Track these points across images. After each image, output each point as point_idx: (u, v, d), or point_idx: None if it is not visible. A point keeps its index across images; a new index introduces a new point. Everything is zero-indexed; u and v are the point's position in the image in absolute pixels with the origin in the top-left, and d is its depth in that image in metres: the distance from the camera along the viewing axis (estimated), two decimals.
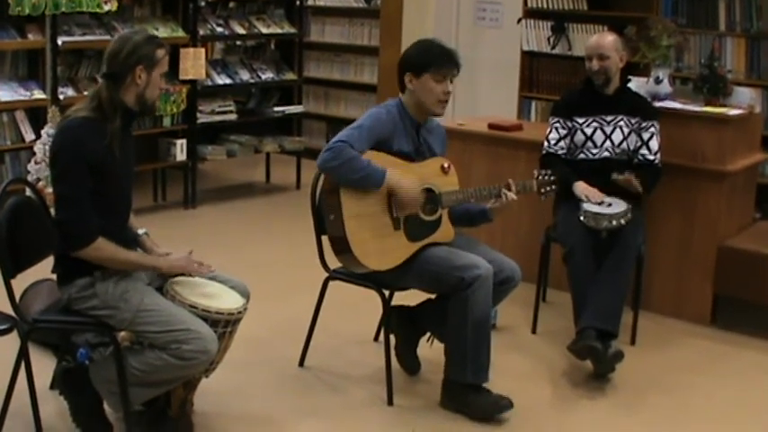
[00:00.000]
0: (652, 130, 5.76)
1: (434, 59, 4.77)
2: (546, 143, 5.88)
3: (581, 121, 5.81)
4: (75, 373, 4.35)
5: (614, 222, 5.36)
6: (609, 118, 5.78)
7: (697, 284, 6.11)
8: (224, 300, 4.25)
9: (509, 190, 4.89)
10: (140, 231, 4.46)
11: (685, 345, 5.84)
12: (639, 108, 5.82)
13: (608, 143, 5.75)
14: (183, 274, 4.29)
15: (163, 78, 4.23)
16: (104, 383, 4.21)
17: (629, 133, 5.76)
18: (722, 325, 6.08)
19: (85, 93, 7.25)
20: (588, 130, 5.79)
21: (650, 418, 4.87)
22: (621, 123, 5.76)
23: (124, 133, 4.19)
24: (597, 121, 5.78)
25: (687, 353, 5.73)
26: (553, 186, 5.11)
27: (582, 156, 5.81)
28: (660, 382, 5.29)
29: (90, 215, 4.04)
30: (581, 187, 5.59)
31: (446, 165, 4.94)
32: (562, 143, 5.84)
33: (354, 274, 4.92)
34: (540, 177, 5.08)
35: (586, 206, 5.44)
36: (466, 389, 4.73)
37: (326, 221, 4.77)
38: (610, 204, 5.45)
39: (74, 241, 4.06)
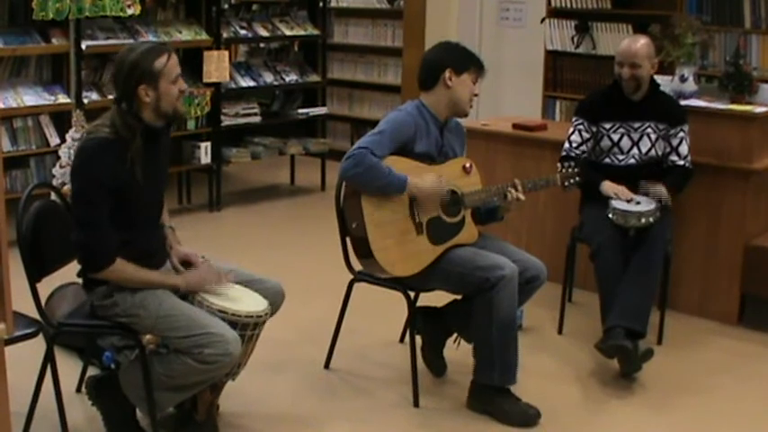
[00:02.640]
0: (681, 135, 5.70)
1: (474, 61, 4.88)
2: (567, 144, 5.81)
3: (608, 126, 5.74)
4: (106, 382, 4.36)
5: (643, 220, 5.33)
6: (636, 125, 5.70)
7: (724, 284, 6.07)
8: (249, 303, 4.24)
9: (516, 190, 4.88)
10: (167, 224, 4.46)
11: (712, 344, 5.81)
12: (668, 113, 5.72)
13: (635, 150, 5.69)
14: None
15: (177, 82, 4.10)
16: (134, 389, 4.20)
17: (657, 139, 5.69)
18: (749, 324, 6.04)
19: (110, 96, 7.31)
20: (615, 137, 5.73)
21: (679, 418, 4.84)
22: (649, 130, 5.69)
23: (150, 150, 4.12)
24: (624, 128, 5.71)
25: (714, 353, 5.69)
26: (576, 178, 5.10)
27: (607, 161, 5.76)
28: (688, 381, 5.26)
29: (107, 238, 4.01)
30: (609, 186, 5.55)
31: (467, 165, 4.94)
32: (584, 147, 5.76)
33: (380, 276, 4.91)
34: (564, 170, 5.08)
35: (615, 204, 5.41)
36: (493, 391, 4.73)
37: (348, 228, 4.78)
38: (638, 202, 5.42)
39: (91, 264, 4.07)
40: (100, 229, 4.00)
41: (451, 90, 4.84)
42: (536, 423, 4.68)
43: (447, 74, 4.83)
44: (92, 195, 3.98)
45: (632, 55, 5.61)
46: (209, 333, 3.95)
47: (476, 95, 4.90)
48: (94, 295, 4.16)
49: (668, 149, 5.72)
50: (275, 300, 4.36)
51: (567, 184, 5.10)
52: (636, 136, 5.71)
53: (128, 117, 4.03)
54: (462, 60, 4.86)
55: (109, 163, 3.98)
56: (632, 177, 5.61)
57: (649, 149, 5.70)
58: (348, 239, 4.94)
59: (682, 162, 5.70)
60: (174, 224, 4.53)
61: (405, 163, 4.72)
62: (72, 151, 6.80)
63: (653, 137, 5.70)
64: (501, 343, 4.64)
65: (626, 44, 5.72)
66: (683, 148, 5.70)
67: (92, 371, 4.84)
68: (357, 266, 5.03)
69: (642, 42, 5.69)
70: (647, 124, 5.70)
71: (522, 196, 4.88)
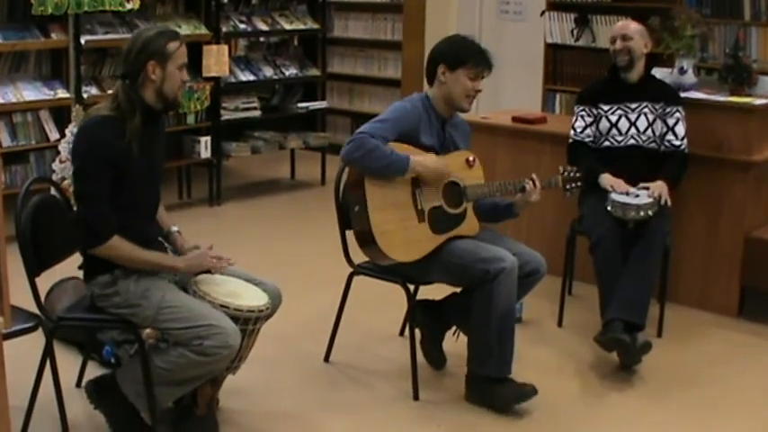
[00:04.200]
0: (677, 115, 5.75)
1: (471, 56, 4.80)
2: (572, 131, 5.89)
3: (606, 108, 5.82)
4: (104, 384, 4.35)
5: (642, 213, 5.34)
6: (633, 105, 5.78)
7: (724, 276, 6.07)
8: (250, 297, 4.25)
9: (534, 185, 4.88)
10: (173, 229, 4.48)
11: (712, 337, 5.81)
12: (663, 94, 5.82)
13: (633, 130, 5.74)
14: (202, 272, 4.31)
15: (182, 71, 4.19)
16: (132, 385, 4.20)
17: (654, 119, 5.75)
18: (749, 317, 6.04)
19: (109, 91, 7.31)
20: (613, 118, 5.78)
21: (679, 410, 4.85)
22: (646, 110, 5.76)
23: (148, 132, 4.17)
24: (622, 109, 5.79)
25: (714, 345, 5.69)
26: (578, 183, 5.09)
27: (607, 143, 5.81)
28: (687, 374, 5.26)
29: (107, 213, 4.04)
30: (607, 179, 5.57)
31: (471, 158, 4.94)
32: (588, 131, 5.84)
33: (379, 269, 4.93)
34: (566, 174, 5.07)
35: (614, 196, 5.42)
36: (489, 381, 4.73)
37: (351, 213, 4.78)
38: (637, 195, 5.43)
39: (89, 239, 4.08)
40: (99, 203, 4.04)
41: (445, 86, 4.83)
42: (532, 396, 4.69)
43: (440, 69, 4.83)
44: (92, 170, 4.04)
45: (623, 28, 5.84)
46: (210, 325, 3.96)
47: (478, 91, 4.85)
48: (96, 285, 4.17)
49: (665, 129, 5.75)
50: (273, 302, 4.35)
51: (568, 187, 5.09)
52: (633, 116, 5.77)
53: (131, 92, 4.10)
54: (457, 56, 4.81)
55: (108, 138, 4.04)
56: (632, 159, 5.67)
57: (647, 128, 5.75)
58: (348, 233, 4.96)
59: (678, 143, 5.74)
60: (174, 219, 4.55)
61: (406, 150, 4.73)
62: (71, 146, 6.80)
63: (650, 117, 5.76)
64: (499, 335, 4.64)
65: (618, 24, 5.96)
66: (680, 129, 5.75)
67: (91, 365, 4.85)
68: (357, 260, 5.03)
69: (633, 23, 5.89)
70: (643, 104, 5.78)
71: (539, 189, 4.90)
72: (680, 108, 5.78)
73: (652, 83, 5.89)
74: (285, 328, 5.22)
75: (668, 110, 5.77)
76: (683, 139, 5.74)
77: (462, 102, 4.84)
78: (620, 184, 5.53)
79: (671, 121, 5.75)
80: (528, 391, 4.71)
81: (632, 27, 5.80)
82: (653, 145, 5.75)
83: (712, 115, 6.01)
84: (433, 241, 4.75)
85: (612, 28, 5.95)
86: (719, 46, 7.64)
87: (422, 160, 4.69)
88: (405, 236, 4.70)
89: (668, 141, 5.75)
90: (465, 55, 4.81)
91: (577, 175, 5.08)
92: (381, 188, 4.67)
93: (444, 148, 4.90)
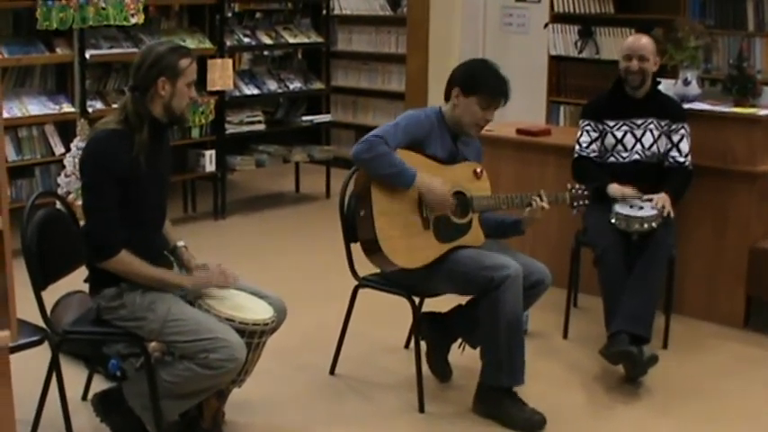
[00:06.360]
0: (682, 132, 5.73)
1: (488, 86, 4.79)
2: (577, 146, 5.86)
3: (611, 124, 5.79)
4: (111, 397, 4.35)
5: (646, 225, 5.33)
6: (639, 121, 5.75)
7: (729, 287, 6.06)
8: (255, 311, 4.25)
9: (540, 200, 4.88)
10: (179, 244, 4.48)
11: (718, 348, 5.80)
12: (669, 110, 5.79)
13: (638, 146, 5.73)
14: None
15: (191, 88, 4.21)
16: (138, 398, 4.20)
17: (659, 136, 5.73)
18: (755, 327, 6.03)
19: (114, 105, 7.33)
20: (618, 134, 5.76)
21: (686, 422, 4.84)
22: (651, 126, 5.74)
23: (154, 145, 4.18)
24: (627, 125, 5.76)
25: (720, 356, 5.68)
26: (586, 201, 5.08)
27: (612, 159, 5.78)
28: (694, 386, 5.25)
29: (114, 227, 4.05)
30: (615, 188, 5.56)
31: (478, 170, 4.95)
32: (594, 146, 5.81)
33: (384, 282, 4.93)
34: (574, 191, 5.07)
35: (618, 208, 5.41)
36: (501, 393, 4.71)
37: (356, 218, 4.79)
38: (641, 207, 5.42)
39: (97, 252, 4.09)
40: (107, 217, 4.05)
41: (457, 108, 4.84)
42: (541, 429, 4.66)
43: (455, 92, 4.83)
44: (99, 184, 4.05)
45: (641, 48, 5.71)
46: (216, 338, 3.96)
47: (488, 121, 4.87)
48: (102, 298, 4.17)
49: (669, 146, 5.74)
50: (279, 315, 4.36)
51: (575, 204, 5.08)
52: (639, 132, 5.74)
53: (139, 106, 4.11)
54: (473, 82, 4.80)
55: (116, 151, 4.05)
56: (636, 174, 5.64)
57: (652, 145, 5.73)
58: (353, 245, 4.96)
59: (682, 159, 5.71)
60: (179, 233, 4.55)
61: (416, 158, 4.75)
62: (76, 160, 6.81)
63: (655, 133, 5.74)
64: (508, 343, 4.63)
65: (632, 39, 5.83)
66: (684, 146, 5.73)
67: (97, 379, 4.85)
68: (362, 272, 5.03)
69: (648, 38, 5.79)
70: (649, 120, 5.75)
71: (546, 205, 4.88)
72: (685, 125, 5.76)
73: (658, 98, 5.84)
74: (290, 341, 5.22)
75: (674, 127, 5.74)
76: (686, 155, 5.72)
77: (470, 128, 4.87)
78: (629, 191, 5.52)
79: (675, 138, 5.73)
80: (536, 422, 4.66)
81: (649, 47, 5.70)
82: (656, 161, 5.74)
83: (716, 126, 6.01)
84: (438, 250, 4.75)
85: (626, 42, 5.84)
86: (723, 57, 7.66)
87: (428, 182, 4.68)
88: (409, 242, 4.70)
89: (672, 158, 5.73)
90: (481, 83, 4.79)
91: (585, 192, 5.07)
92: (387, 195, 4.69)
93: (454, 161, 4.91)
